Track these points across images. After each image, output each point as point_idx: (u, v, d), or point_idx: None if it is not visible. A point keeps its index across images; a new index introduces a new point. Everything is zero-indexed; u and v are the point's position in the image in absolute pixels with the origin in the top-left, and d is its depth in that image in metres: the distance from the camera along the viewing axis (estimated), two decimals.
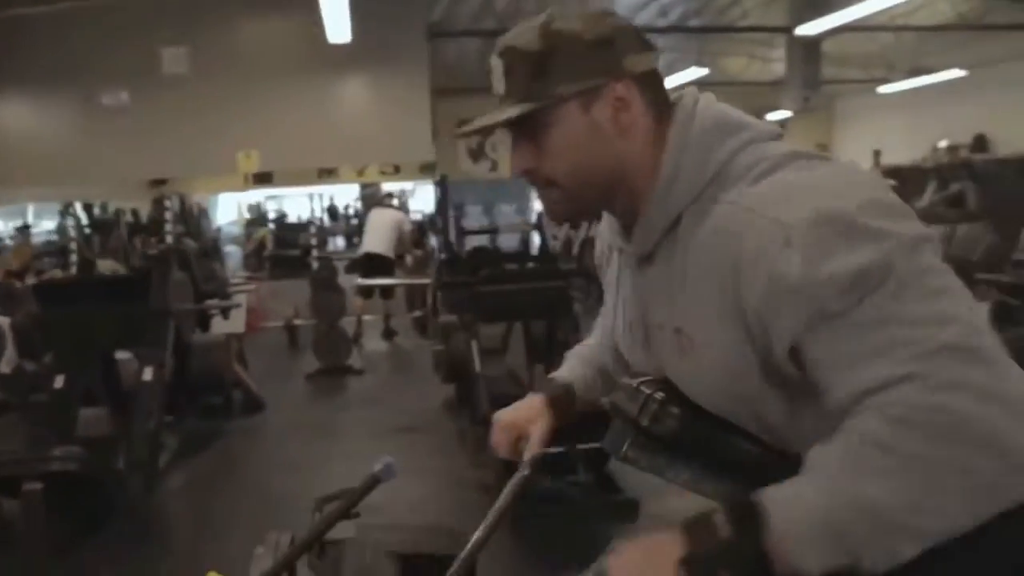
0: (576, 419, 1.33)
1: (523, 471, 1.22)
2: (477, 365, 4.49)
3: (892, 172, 10.38)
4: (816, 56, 10.95)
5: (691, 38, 10.92)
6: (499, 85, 1.04)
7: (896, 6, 8.89)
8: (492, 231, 5.81)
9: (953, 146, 13.36)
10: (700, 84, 13.08)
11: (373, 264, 8.57)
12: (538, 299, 4.62)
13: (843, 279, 0.81)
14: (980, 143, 13.10)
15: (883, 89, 13.44)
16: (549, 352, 4.71)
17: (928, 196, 9.69)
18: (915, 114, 14.13)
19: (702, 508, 0.89)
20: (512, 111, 1.02)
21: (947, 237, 7.15)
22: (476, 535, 1.15)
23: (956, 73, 12.17)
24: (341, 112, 8.28)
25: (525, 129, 1.03)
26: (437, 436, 5.33)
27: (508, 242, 10.87)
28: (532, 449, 1.26)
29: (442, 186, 8.90)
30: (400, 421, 5.66)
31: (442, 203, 8.93)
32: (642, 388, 1.03)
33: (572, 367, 1.39)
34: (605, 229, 1.21)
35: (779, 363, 0.90)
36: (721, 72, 12.35)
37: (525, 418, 1.30)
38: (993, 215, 7.48)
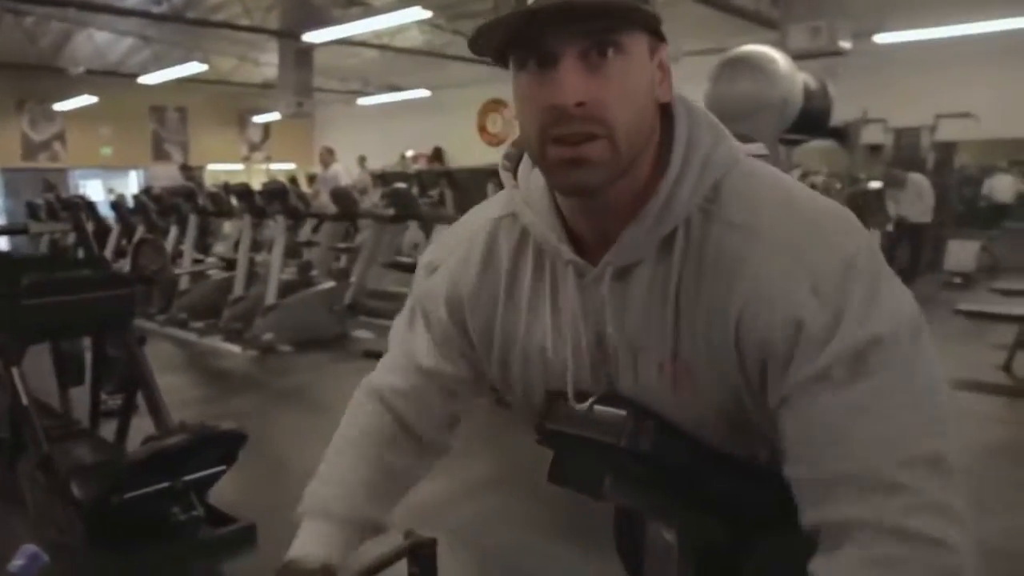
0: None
1: None
2: (23, 397, 3.74)
3: (379, 176, 11.43)
4: (309, 64, 11.49)
5: (185, 31, 10.46)
6: None
7: (380, 29, 9.90)
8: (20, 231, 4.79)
9: (417, 155, 15.31)
10: (194, 81, 12.67)
11: None
12: (94, 311, 4.00)
13: (871, 342, 0.75)
14: (438, 154, 15.27)
15: (363, 101, 14.67)
16: (99, 371, 4.18)
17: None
18: (388, 125, 15.79)
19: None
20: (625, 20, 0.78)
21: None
22: None
23: (422, 93, 13.97)
24: None
25: (606, 39, 0.78)
26: None
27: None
28: None
29: None
30: None
31: None
32: (609, 409, 0.91)
33: (324, 533, 1.05)
34: (505, 239, 0.99)
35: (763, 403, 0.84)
36: (213, 70, 12.07)
37: None
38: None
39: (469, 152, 14.79)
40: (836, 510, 0.75)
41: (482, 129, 15.95)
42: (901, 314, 0.77)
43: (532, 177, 0.93)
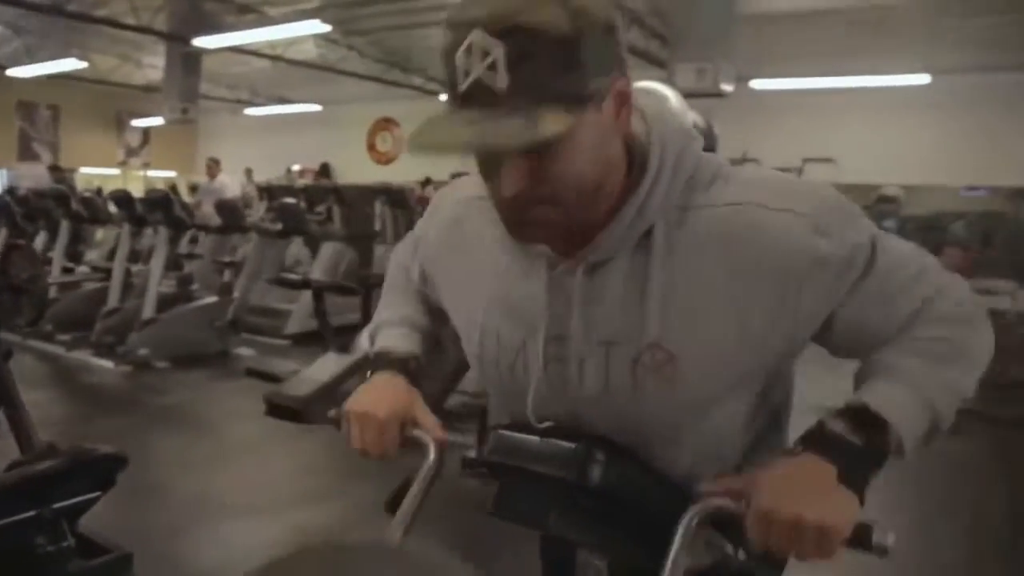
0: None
1: (433, 456, 1.03)
2: None
3: (265, 189, 11.11)
4: (197, 69, 11.12)
5: (63, 25, 9.89)
6: (493, 78, 0.77)
7: (275, 39, 9.74)
8: None
9: (304, 170, 15.03)
10: (70, 78, 11.95)
11: None
12: None
13: (866, 248, 0.91)
14: (325, 170, 15.04)
15: (250, 111, 14.29)
16: None
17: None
18: (275, 137, 15.44)
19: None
20: (551, 122, 0.78)
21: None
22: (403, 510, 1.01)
23: (312, 107, 13.77)
24: None
25: (535, 148, 0.80)
26: None
27: None
28: (436, 431, 1.04)
29: None
30: None
31: None
32: (560, 440, 0.93)
33: (403, 335, 1.15)
34: (445, 227, 1.07)
35: (782, 352, 0.94)
36: (92, 69, 11.48)
37: (401, 402, 1.05)
38: (353, 235, 8.64)
39: (358, 169, 14.68)
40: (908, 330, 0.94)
41: (371, 147, 15.86)
42: (862, 214, 0.95)
43: None
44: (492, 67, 0.77)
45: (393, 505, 1.05)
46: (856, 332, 0.93)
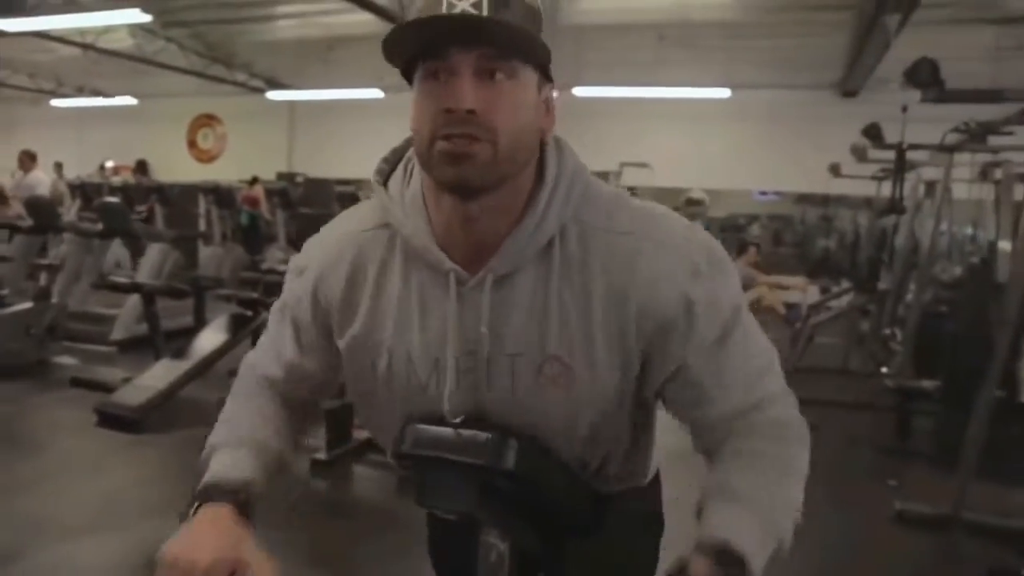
0: None
1: None
2: None
3: (77, 187, 10.40)
4: None
5: None
6: (479, 9, 0.89)
7: (85, 26, 9.15)
8: None
9: (118, 167, 14.13)
10: None
11: None
12: None
13: (735, 307, 0.98)
14: (142, 167, 14.21)
15: (56, 103, 13.25)
16: None
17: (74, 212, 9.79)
18: (84, 131, 14.41)
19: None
20: (516, 50, 0.91)
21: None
22: None
23: (127, 100, 12.99)
24: None
25: (497, 64, 0.90)
26: None
27: None
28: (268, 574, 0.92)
29: None
30: None
31: None
32: (473, 431, 1.00)
33: (238, 459, 1.03)
34: (340, 263, 1.06)
35: (646, 389, 1.02)
36: None
37: (229, 543, 0.91)
38: (181, 235, 8.31)
39: (177, 167, 14.02)
40: (734, 418, 1.00)
41: (192, 144, 15.18)
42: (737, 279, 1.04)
43: (407, 192, 1.03)
44: (477, 6, 0.88)
45: None
46: (691, 391, 1.00)
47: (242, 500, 0.97)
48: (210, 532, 0.92)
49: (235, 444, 1.05)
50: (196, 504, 0.97)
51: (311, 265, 1.09)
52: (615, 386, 1.00)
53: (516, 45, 0.91)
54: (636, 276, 0.95)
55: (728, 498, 0.94)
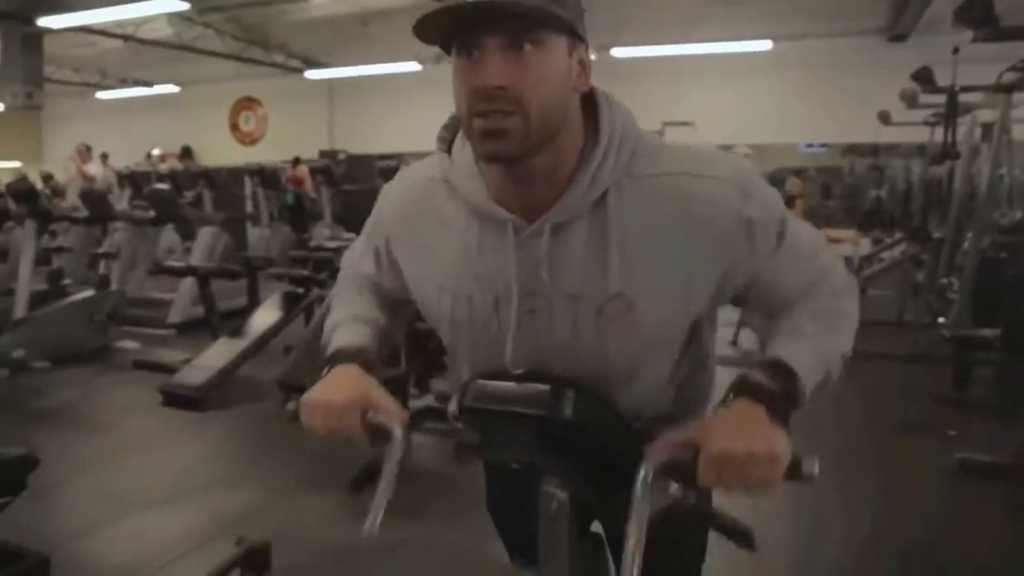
0: None
1: (399, 437, 1.06)
2: None
3: (127, 176, 10.63)
4: (38, 50, 10.43)
5: None
6: None
7: (124, 19, 9.30)
8: None
9: (164, 154, 14.39)
10: None
11: None
12: None
13: (780, 221, 1.08)
14: (187, 153, 14.46)
15: (102, 95, 13.52)
16: None
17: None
18: (130, 121, 14.69)
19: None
20: (545, 23, 0.95)
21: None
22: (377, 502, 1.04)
23: (170, 88, 13.19)
24: None
25: (523, 37, 0.94)
26: None
27: None
28: (397, 414, 1.08)
29: None
30: None
31: None
32: (532, 384, 1.05)
33: (354, 331, 1.22)
34: (404, 206, 1.16)
35: (716, 298, 1.09)
36: None
37: (360, 388, 1.09)
38: (230, 218, 8.46)
39: (221, 151, 14.23)
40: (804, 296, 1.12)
41: (234, 127, 15.38)
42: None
43: (464, 152, 1.08)
44: None
45: (356, 486, 1.05)
46: (769, 293, 1.11)
47: (365, 358, 1.15)
48: (343, 381, 1.10)
49: (351, 320, 1.24)
50: (328, 368, 1.13)
51: (390, 196, 1.21)
52: (676, 320, 1.08)
53: (542, 20, 0.94)
54: (692, 208, 1.02)
55: (787, 333, 1.08)
